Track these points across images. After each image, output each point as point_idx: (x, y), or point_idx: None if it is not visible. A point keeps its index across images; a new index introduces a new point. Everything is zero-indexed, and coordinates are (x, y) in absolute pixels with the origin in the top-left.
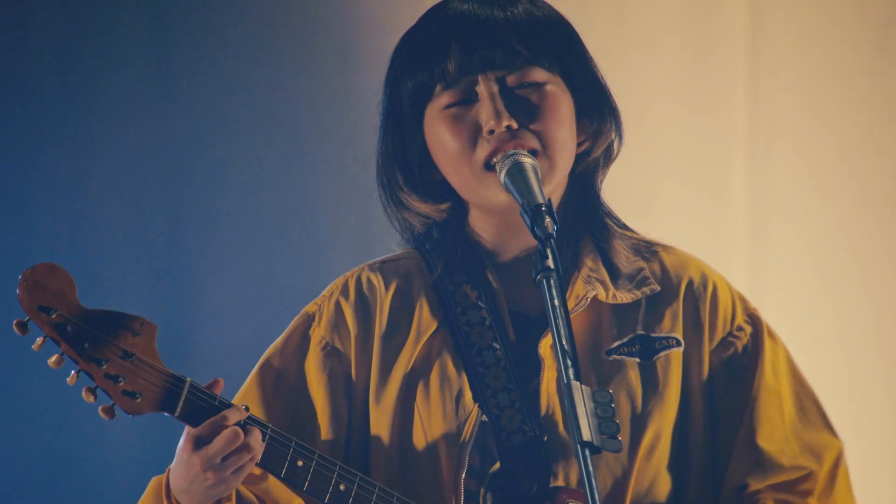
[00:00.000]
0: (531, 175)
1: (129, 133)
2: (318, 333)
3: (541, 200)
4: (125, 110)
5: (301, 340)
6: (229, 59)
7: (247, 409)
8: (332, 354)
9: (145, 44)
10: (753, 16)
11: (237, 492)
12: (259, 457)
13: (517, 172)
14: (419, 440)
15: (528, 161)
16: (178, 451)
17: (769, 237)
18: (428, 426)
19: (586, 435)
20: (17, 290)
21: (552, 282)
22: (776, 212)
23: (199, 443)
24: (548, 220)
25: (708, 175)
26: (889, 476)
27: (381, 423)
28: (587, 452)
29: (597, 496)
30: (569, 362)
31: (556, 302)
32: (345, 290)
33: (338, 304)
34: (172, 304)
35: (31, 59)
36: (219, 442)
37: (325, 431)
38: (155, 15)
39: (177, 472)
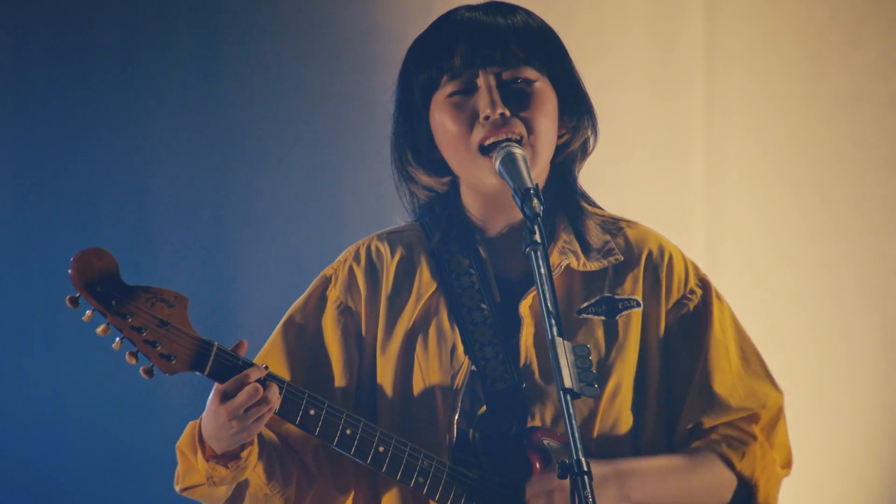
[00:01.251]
0: (521, 163)
1: (181, 128)
2: (333, 294)
3: (529, 185)
4: (178, 108)
5: (319, 300)
6: (267, 65)
7: (266, 367)
8: (345, 312)
9: (195, 53)
10: (709, 28)
11: (260, 435)
12: (277, 407)
13: (510, 161)
14: (418, 386)
15: (518, 152)
16: (207, 403)
17: (723, 214)
18: (426, 374)
19: (568, 383)
20: (70, 271)
21: (539, 253)
22: (729, 192)
23: (225, 397)
24: (535, 201)
25: (672, 161)
26: (832, 423)
27: (385, 371)
28: (569, 398)
29: (576, 435)
30: (553, 321)
31: (543, 270)
32: (357, 257)
33: (351, 269)
34: (216, 272)
35: (99, 62)
36: (241, 396)
37: (339, 379)
38: (204, 28)
39: (207, 421)
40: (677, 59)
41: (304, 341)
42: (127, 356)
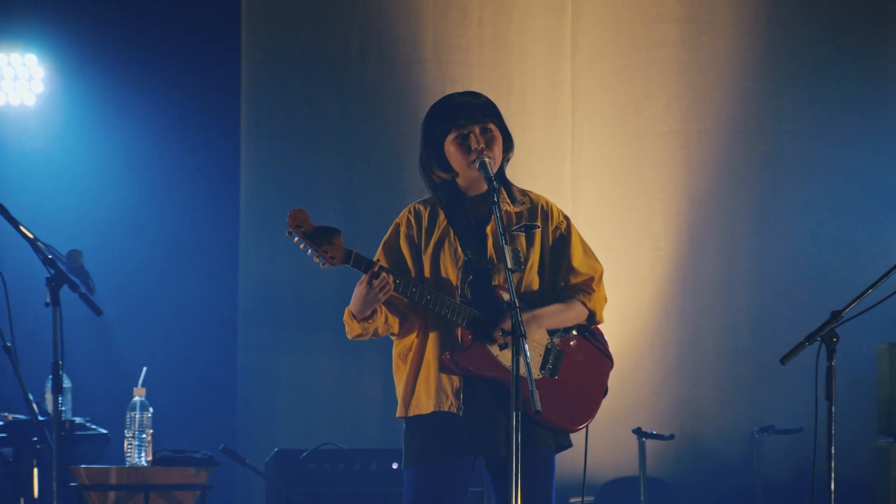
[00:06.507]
0: (489, 166)
1: (338, 125)
2: (402, 229)
3: (491, 175)
4: (329, 130)
5: (396, 233)
6: (365, 119)
7: (378, 261)
8: (409, 238)
9: (348, 98)
10: (574, 100)
11: (381, 306)
12: (392, 285)
13: (483, 165)
14: (442, 269)
15: (488, 161)
16: (355, 292)
17: (582, 183)
18: (445, 263)
19: (509, 265)
20: (287, 219)
21: (496, 206)
22: (583, 176)
23: (371, 285)
24: (495, 182)
25: (554, 162)
26: (624, 278)
27: (426, 264)
28: (509, 272)
29: (514, 290)
30: (503, 238)
31: (498, 214)
32: (409, 211)
33: (408, 217)
34: (346, 216)
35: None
36: (378, 283)
37: (412, 271)
38: (349, 82)
39: (356, 301)
40: (558, 118)
41: (392, 253)
42: (314, 258)
